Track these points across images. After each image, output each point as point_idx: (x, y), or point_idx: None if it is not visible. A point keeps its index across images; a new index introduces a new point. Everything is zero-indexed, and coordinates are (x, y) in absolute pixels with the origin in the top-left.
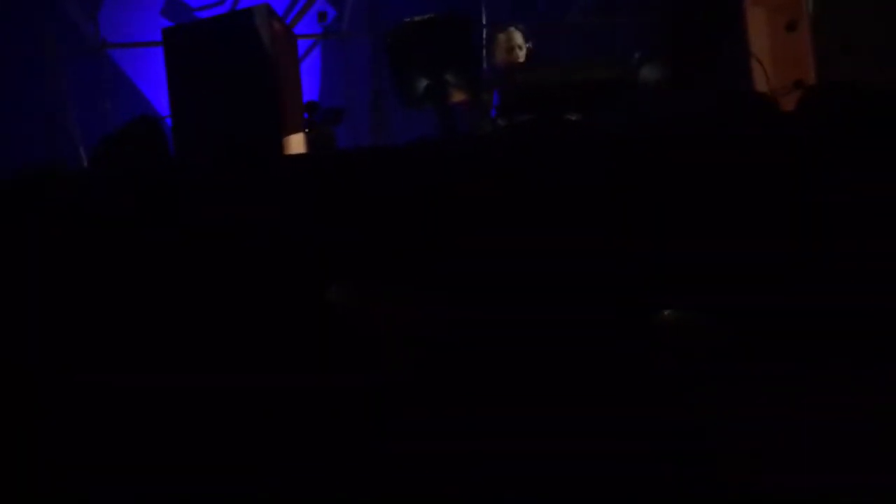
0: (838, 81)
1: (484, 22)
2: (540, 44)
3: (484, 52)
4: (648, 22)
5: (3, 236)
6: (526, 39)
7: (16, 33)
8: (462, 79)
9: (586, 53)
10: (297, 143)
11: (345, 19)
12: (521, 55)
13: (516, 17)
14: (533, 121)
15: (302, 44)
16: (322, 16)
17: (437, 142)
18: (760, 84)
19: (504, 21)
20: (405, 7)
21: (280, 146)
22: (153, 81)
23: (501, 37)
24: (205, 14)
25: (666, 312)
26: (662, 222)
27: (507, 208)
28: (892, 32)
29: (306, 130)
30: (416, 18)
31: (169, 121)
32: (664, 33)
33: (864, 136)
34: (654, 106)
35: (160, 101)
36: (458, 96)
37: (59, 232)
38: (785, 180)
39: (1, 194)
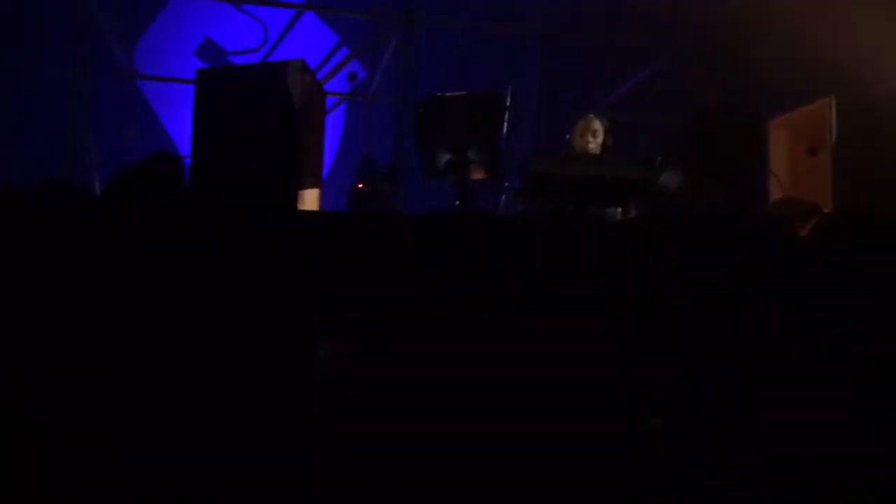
0: (854, 210)
1: (507, 106)
2: (562, 136)
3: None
4: (673, 125)
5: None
6: (608, 130)
7: (49, 48)
8: (483, 157)
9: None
10: (312, 198)
11: (374, 82)
12: (595, 143)
13: (541, 109)
14: (549, 209)
15: (328, 99)
16: (352, 76)
17: (451, 216)
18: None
19: (528, 106)
20: (433, 83)
21: (294, 199)
22: (177, 118)
23: (580, 122)
24: (238, 59)
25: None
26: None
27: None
28: None
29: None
30: (449, 94)
31: (188, 160)
32: (688, 142)
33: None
34: (670, 210)
35: (181, 138)
36: (477, 174)
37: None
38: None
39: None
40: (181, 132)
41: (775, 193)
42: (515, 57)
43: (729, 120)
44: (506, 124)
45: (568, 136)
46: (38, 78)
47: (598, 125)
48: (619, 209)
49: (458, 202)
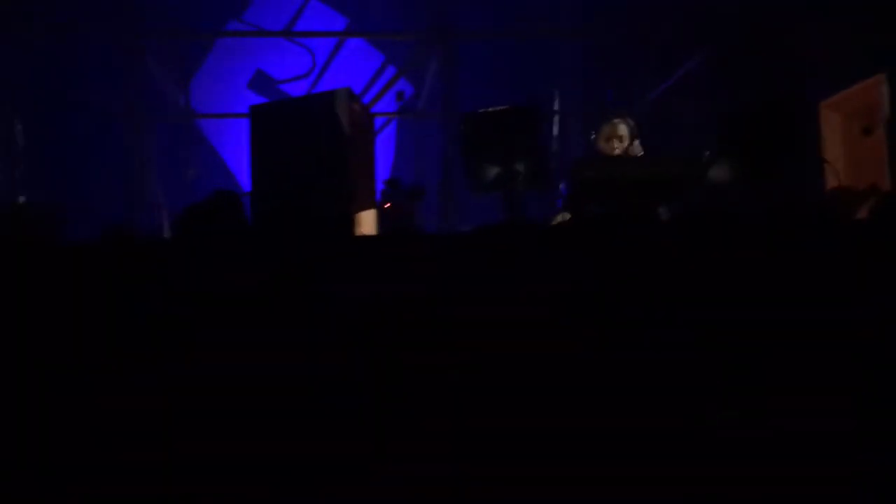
0: None
1: (556, 108)
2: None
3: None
4: (717, 116)
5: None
6: (634, 133)
7: (105, 94)
8: (530, 168)
9: (653, 144)
10: (368, 220)
11: (421, 99)
12: (620, 147)
13: (585, 109)
14: (598, 216)
15: (379, 120)
16: (400, 95)
17: (502, 228)
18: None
19: (574, 111)
20: (479, 90)
21: (351, 223)
22: (236, 152)
23: (605, 127)
24: (289, 87)
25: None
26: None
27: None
28: None
29: (386, 205)
30: (491, 109)
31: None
32: (734, 131)
33: None
34: (722, 205)
35: (241, 171)
36: (525, 185)
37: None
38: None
39: (82, 254)
40: (241, 166)
41: (831, 178)
42: (560, 62)
43: (776, 106)
44: (556, 129)
45: (593, 137)
46: (95, 126)
47: (623, 130)
48: (668, 208)
49: (508, 215)
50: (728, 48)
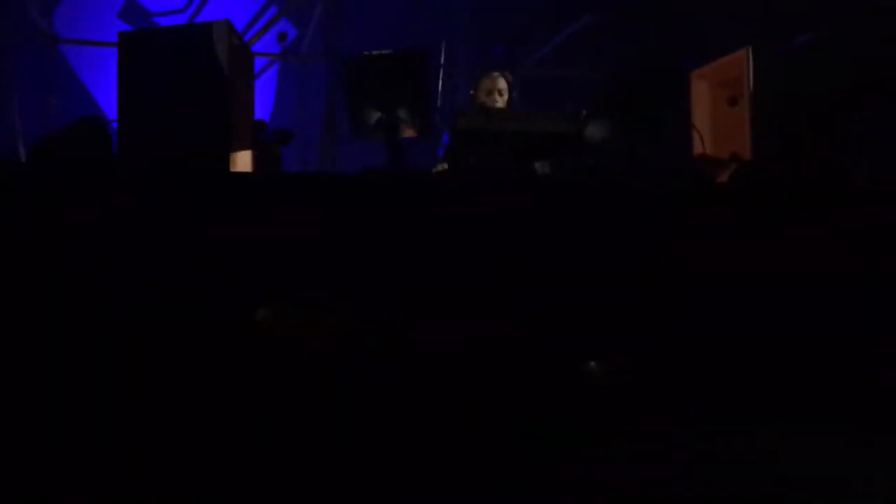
0: (770, 156)
1: (441, 63)
2: None
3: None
4: (598, 79)
5: None
6: (511, 87)
7: None
8: (413, 115)
9: (538, 104)
10: (244, 160)
11: (305, 42)
12: (501, 101)
13: (470, 63)
14: (479, 165)
15: (260, 61)
16: (282, 36)
17: (381, 174)
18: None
19: (458, 66)
20: (365, 38)
21: (226, 161)
22: (103, 83)
23: (485, 80)
24: (163, 20)
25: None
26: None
27: (440, 245)
28: (828, 110)
29: (252, 148)
30: (375, 52)
31: (115, 125)
32: (611, 94)
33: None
34: (596, 162)
35: (108, 103)
36: (408, 132)
37: None
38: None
39: None
40: (109, 97)
41: (697, 144)
42: (449, 15)
43: (650, 72)
44: (441, 82)
45: (472, 93)
46: None
47: (502, 83)
48: (546, 164)
49: (390, 160)
50: (611, 14)
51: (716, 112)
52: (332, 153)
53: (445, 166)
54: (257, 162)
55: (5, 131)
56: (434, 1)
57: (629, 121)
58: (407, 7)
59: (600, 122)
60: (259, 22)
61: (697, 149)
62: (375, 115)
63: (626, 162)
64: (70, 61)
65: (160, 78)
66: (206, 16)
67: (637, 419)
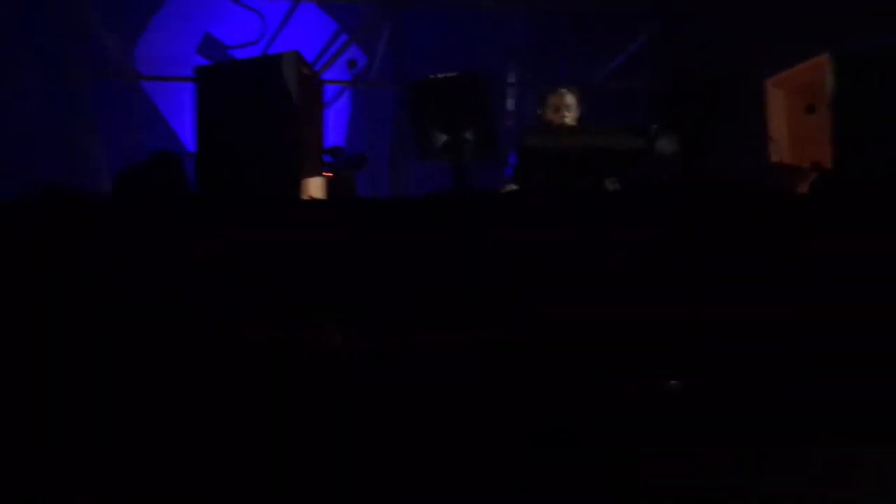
0: (853, 165)
1: (512, 81)
2: None
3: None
4: (669, 91)
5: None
6: (579, 103)
7: (42, 50)
8: (478, 137)
9: (608, 118)
10: (315, 186)
11: (373, 68)
12: (570, 117)
13: (540, 79)
14: (546, 185)
15: (332, 89)
16: (352, 63)
17: (447, 196)
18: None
19: (530, 82)
20: (432, 61)
21: (297, 188)
22: (183, 117)
23: (552, 97)
24: (239, 53)
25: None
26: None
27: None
28: None
29: (328, 174)
30: (439, 76)
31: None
32: (682, 107)
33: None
34: (667, 177)
35: (188, 136)
36: (474, 154)
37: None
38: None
39: (12, 208)
40: (187, 131)
41: (775, 154)
42: (515, 35)
43: (724, 82)
44: (511, 103)
45: (539, 112)
46: (38, 84)
47: (570, 99)
48: (616, 180)
49: (456, 184)
50: (680, 23)
51: (793, 120)
52: (401, 177)
53: (514, 186)
54: (333, 187)
55: (90, 168)
56: (499, 23)
57: (701, 132)
58: (473, 30)
59: (671, 134)
60: (331, 50)
61: (775, 158)
62: (441, 138)
63: (699, 174)
64: (151, 97)
65: (234, 109)
66: (280, 46)
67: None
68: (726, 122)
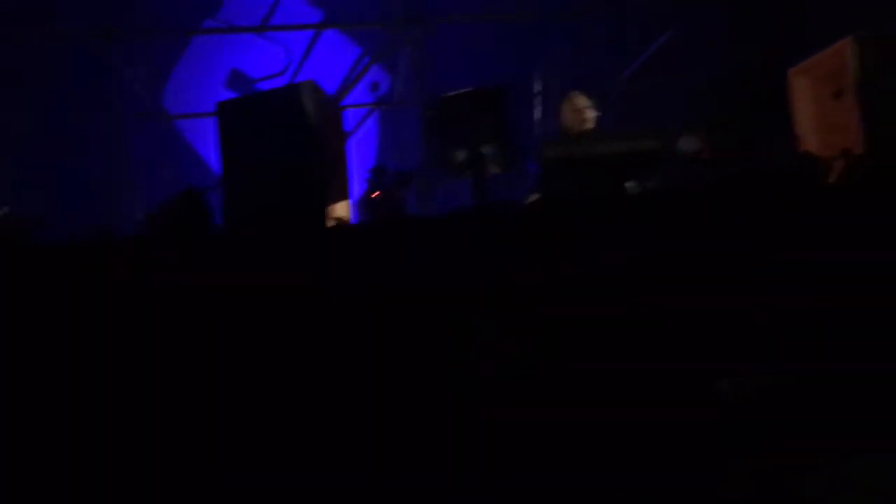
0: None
1: (538, 90)
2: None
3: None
4: (692, 89)
5: (54, 298)
6: (595, 105)
7: (78, 98)
8: (498, 151)
9: (632, 119)
10: (342, 210)
11: (397, 88)
12: (590, 120)
13: (565, 86)
14: (570, 193)
15: (359, 112)
16: (374, 86)
17: (468, 212)
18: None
19: (554, 91)
20: (455, 77)
21: (323, 213)
22: (213, 148)
23: (566, 103)
24: (265, 84)
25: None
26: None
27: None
28: None
29: (375, 193)
30: (453, 93)
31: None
32: (706, 103)
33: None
34: (690, 176)
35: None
36: (494, 168)
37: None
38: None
39: (55, 259)
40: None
41: (803, 143)
42: (540, 43)
43: (745, 75)
44: (538, 111)
45: (559, 121)
46: (73, 130)
47: (584, 101)
48: (639, 182)
49: (477, 198)
50: (702, 21)
51: (820, 107)
52: (429, 193)
53: (537, 196)
54: (382, 206)
55: (127, 208)
56: (521, 34)
57: (726, 127)
58: (495, 41)
59: (691, 134)
60: (355, 73)
61: (804, 146)
62: (461, 154)
63: (727, 169)
64: (184, 134)
65: (255, 141)
66: (305, 73)
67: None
68: (759, 115)
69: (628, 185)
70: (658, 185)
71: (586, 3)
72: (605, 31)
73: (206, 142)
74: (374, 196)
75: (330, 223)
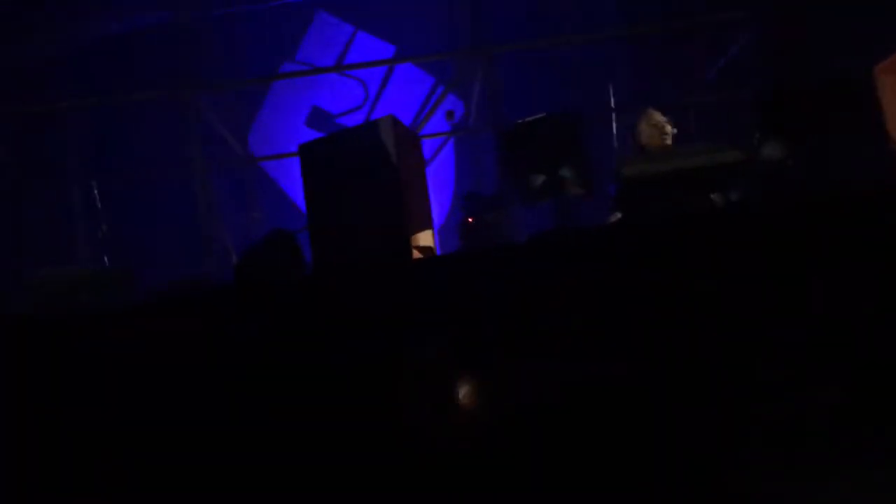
0: None
1: (612, 111)
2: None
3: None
4: (770, 99)
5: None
6: (670, 119)
7: (168, 149)
8: (576, 174)
9: (709, 130)
10: (426, 239)
11: (471, 115)
12: (669, 136)
13: (639, 104)
14: (651, 215)
15: (436, 141)
16: (450, 114)
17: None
18: None
19: (630, 109)
20: (527, 101)
21: (406, 245)
22: (299, 186)
23: (642, 120)
24: (346, 119)
25: None
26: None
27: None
28: None
29: (469, 220)
30: (527, 119)
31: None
32: (786, 110)
33: None
34: (777, 183)
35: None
36: (574, 190)
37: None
38: None
39: (147, 312)
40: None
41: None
42: (612, 60)
43: (828, 77)
44: (615, 125)
45: (633, 140)
46: (164, 182)
47: (658, 116)
48: (722, 195)
49: (559, 220)
50: (775, 27)
51: None
52: (508, 219)
53: (619, 216)
54: (475, 232)
55: (219, 252)
56: (592, 51)
57: (810, 133)
58: (567, 63)
59: (777, 141)
60: (430, 103)
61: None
62: (538, 179)
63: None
64: (271, 174)
65: (338, 179)
66: (382, 106)
67: None
68: (846, 119)
69: (713, 196)
70: (742, 195)
71: (650, 23)
72: (670, 48)
73: (291, 179)
74: (469, 222)
75: (415, 254)
